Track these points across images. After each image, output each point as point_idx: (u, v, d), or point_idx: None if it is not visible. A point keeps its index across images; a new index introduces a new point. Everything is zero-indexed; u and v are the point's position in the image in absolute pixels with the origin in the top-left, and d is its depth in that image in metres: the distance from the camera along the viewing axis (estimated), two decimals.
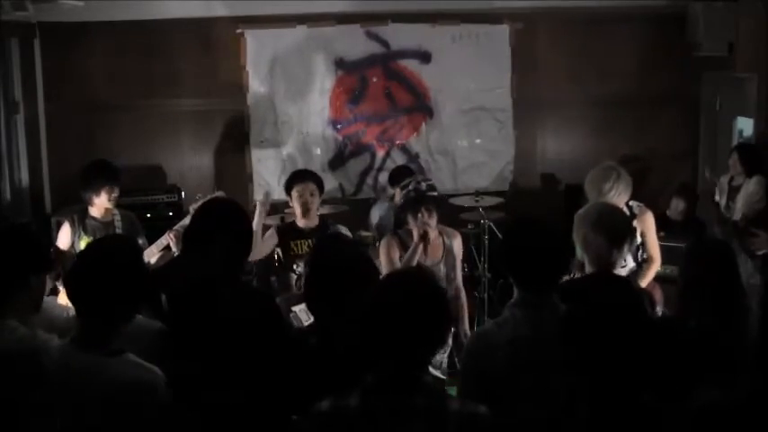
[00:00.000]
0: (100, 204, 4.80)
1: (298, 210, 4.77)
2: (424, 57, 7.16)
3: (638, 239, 4.43)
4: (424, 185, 4.40)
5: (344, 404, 2.13)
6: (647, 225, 4.50)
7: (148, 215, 6.33)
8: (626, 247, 3.35)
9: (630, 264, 4.41)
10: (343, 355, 2.53)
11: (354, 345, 2.35)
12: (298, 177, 4.89)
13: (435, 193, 4.46)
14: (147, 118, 7.04)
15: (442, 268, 4.42)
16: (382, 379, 2.13)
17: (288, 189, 4.85)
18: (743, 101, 6.80)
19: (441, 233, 4.45)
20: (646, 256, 4.53)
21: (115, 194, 4.82)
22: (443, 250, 4.44)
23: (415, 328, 2.11)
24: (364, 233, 6.24)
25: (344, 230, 4.84)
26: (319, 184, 4.88)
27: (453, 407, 2.13)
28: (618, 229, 3.30)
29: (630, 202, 4.47)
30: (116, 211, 4.89)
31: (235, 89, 7.03)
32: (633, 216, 4.41)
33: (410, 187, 4.40)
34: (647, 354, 2.17)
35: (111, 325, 2.47)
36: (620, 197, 4.33)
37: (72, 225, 4.79)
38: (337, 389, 2.19)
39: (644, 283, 4.40)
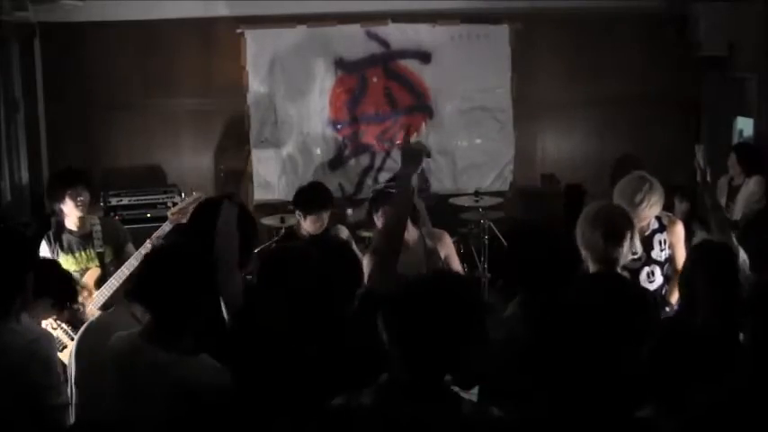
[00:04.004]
0: (70, 213, 4.48)
1: (312, 228, 4.55)
2: (424, 57, 7.15)
3: (667, 252, 4.13)
4: (381, 185, 4.37)
5: (358, 402, 2.11)
6: (677, 237, 4.18)
7: (148, 215, 6.34)
8: (625, 246, 3.33)
9: (659, 279, 4.11)
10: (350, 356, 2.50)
11: (364, 346, 2.32)
12: (314, 207, 4.54)
13: (392, 190, 4.26)
14: (147, 118, 7.04)
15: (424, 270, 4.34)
16: (399, 380, 2.09)
17: (301, 211, 4.58)
18: (743, 101, 6.80)
19: (422, 236, 4.28)
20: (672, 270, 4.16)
21: (82, 198, 4.45)
22: (424, 252, 4.26)
23: (449, 336, 2.05)
24: (364, 233, 6.25)
25: (344, 231, 4.84)
26: (332, 203, 4.70)
27: (467, 409, 2.10)
28: (615, 227, 3.29)
29: (659, 213, 4.13)
30: (95, 220, 4.61)
31: (235, 89, 7.02)
32: (663, 227, 4.13)
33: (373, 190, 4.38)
34: (630, 356, 2.14)
35: (182, 322, 2.51)
36: (652, 209, 4.02)
37: (48, 243, 4.49)
38: (342, 388, 2.16)
39: (674, 298, 4.07)
